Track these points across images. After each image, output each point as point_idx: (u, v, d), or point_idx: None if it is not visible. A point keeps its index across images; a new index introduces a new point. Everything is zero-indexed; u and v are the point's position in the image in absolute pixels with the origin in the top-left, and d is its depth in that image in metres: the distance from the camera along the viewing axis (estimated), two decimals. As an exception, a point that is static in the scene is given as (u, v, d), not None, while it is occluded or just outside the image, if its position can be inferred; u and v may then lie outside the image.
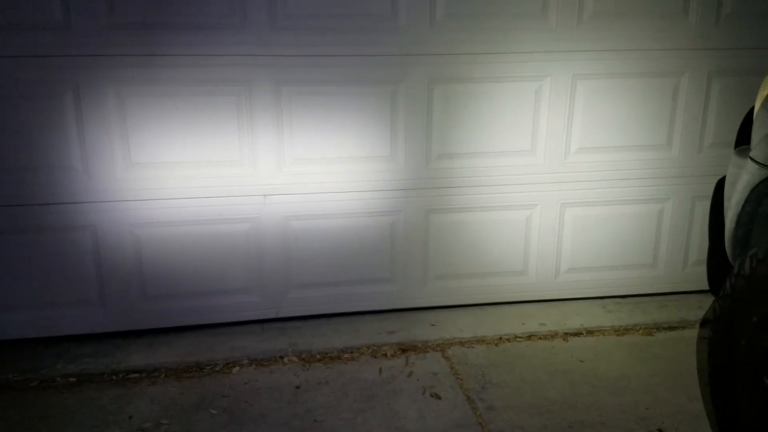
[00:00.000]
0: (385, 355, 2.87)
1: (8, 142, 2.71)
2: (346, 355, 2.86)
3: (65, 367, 2.74)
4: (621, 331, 3.10)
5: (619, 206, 3.27)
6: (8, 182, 2.74)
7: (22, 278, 2.85)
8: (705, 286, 2.47)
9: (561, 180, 3.18)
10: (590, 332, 3.08)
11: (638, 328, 3.12)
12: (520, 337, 3.02)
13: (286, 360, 2.83)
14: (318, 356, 2.85)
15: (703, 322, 1.90)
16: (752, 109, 2.16)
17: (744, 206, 2.02)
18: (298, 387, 2.64)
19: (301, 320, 3.13)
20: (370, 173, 3.02)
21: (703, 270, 2.50)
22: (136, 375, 2.71)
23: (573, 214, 3.25)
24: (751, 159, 2.00)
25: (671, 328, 3.11)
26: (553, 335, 3.05)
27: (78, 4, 2.62)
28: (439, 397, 2.57)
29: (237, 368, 2.77)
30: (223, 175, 2.90)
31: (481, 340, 2.99)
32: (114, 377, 2.70)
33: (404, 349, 2.91)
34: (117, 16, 2.66)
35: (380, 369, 2.77)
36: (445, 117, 3.01)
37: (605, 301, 3.37)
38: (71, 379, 2.67)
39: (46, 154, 2.75)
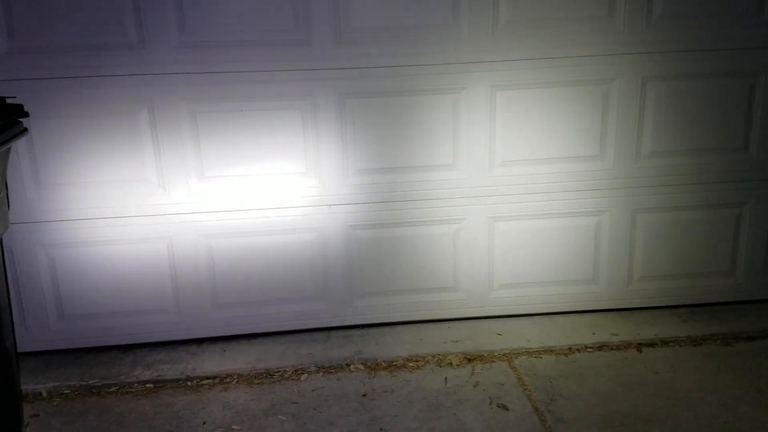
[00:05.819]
0: (451, 364, 2.86)
1: (87, 158, 2.85)
2: (411, 364, 2.87)
3: (142, 374, 2.85)
4: (697, 341, 2.98)
5: (694, 211, 3.15)
6: (88, 196, 2.88)
7: (101, 289, 2.98)
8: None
9: (631, 185, 3.09)
10: (665, 343, 2.97)
11: (716, 338, 2.99)
12: (590, 348, 2.95)
13: (352, 368, 2.86)
14: (383, 364, 2.87)
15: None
16: None
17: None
18: (364, 395, 2.66)
19: (365, 328, 3.16)
20: (432, 182, 3.02)
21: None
22: (209, 381, 2.80)
23: (645, 220, 3.15)
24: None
25: (750, 338, 2.98)
26: (626, 346, 2.96)
27: (151, 25, 2.74)
28: (506, 408, 2.54)
29: (305, 375, 2.82)
30: (290, 186, 2.97)
31: (549, 351, 2.94)
32: (188, 383, 2.79)
33: (470, 358, 2.89)
34: (187, 35, 2.77)
35: (446, 378, 2.76)
36: (509, 124, 2.99)
37: (680, 310, 3.24)
38: (148, 385, 2.78)
39: (123, 169, 2.87)
